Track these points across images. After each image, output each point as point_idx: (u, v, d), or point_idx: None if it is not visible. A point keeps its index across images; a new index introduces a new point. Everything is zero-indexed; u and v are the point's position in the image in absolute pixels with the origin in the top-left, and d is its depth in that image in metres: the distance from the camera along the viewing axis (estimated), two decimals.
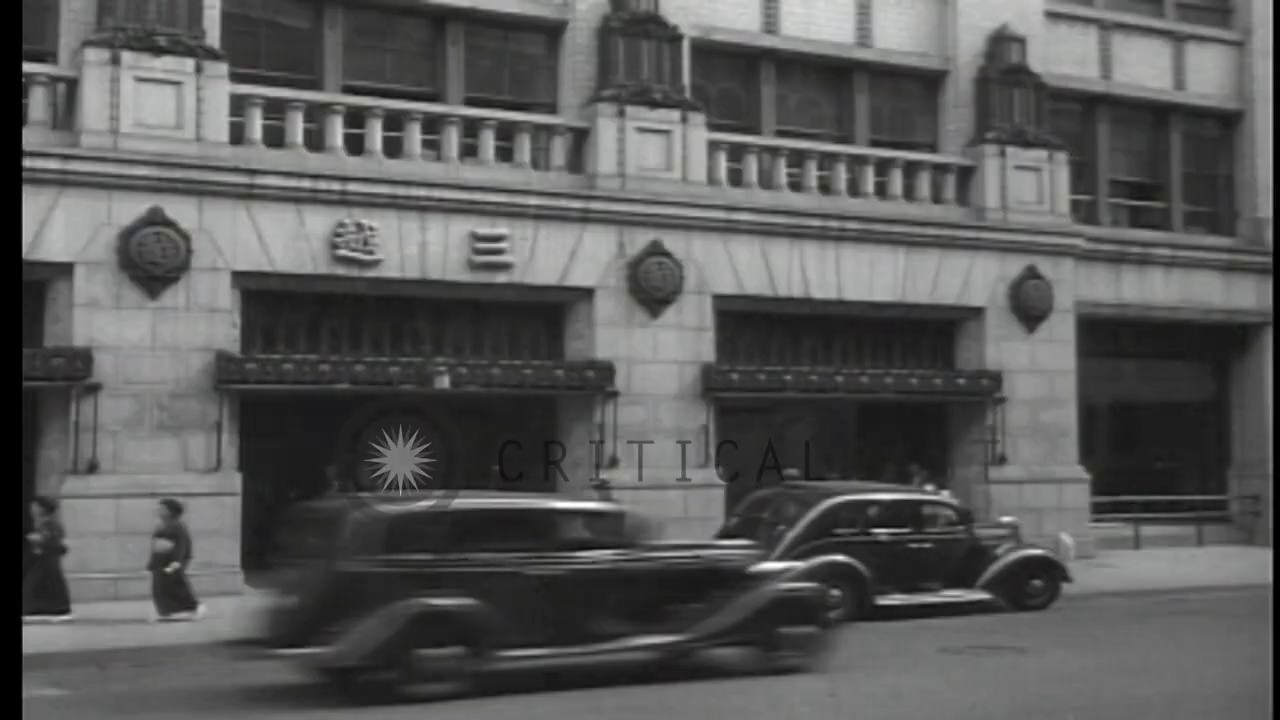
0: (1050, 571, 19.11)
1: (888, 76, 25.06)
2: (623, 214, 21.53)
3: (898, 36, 24.93)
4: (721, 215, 22.21)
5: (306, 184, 19.64)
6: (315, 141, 20.19)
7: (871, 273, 23.41)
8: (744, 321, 22.85)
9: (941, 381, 23.91)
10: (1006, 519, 20.37)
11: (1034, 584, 18.77)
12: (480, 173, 21.00)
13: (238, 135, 19.63)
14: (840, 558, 17.46)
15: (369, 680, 12.01)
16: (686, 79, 22.48)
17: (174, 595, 16.70)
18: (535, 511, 13.45)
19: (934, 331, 24.56)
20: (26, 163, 17.04)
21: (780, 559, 16.42)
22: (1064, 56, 26.41)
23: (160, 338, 18.73)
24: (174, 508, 16.94)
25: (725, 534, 18.26)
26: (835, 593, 16.64)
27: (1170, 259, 26.88)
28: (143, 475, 18.43)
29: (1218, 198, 28.46)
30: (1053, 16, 26.18)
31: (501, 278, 20.84)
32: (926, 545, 18.37)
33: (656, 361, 21.68)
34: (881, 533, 18.17)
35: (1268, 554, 20.32)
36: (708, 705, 11.95)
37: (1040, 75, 25.24)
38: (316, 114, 20.26)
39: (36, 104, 18.60)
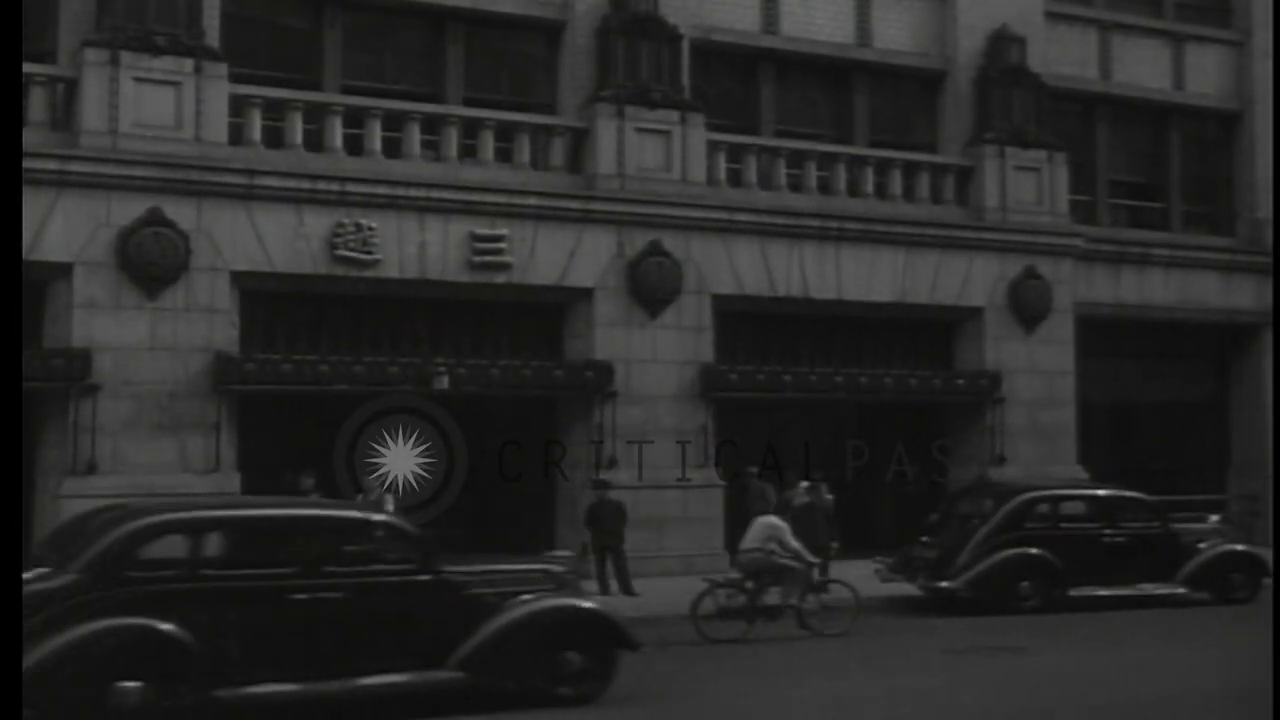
0: (1252, 567, 19.52)
1: (887, 77, 25.05)
2: (622, 214, 21.52)
3: (897, 37, 24.93)
4: (721, 215, 22.21)
5: (306, 184, 19.63)
6: (314, 142, 20.18)
7: (871, 273, 23.40)
8: (743, 322, 22.84)
9: (940, 382, 23.91)
10: (1214, 517, 20.83)
11: (1235, 578, 19.18)
12: (479, 173, 20.99)
13: (237, 136, 19.62)
14: (1033, 550, 18.18)
15: None
16: (686, 79, 22.47)
17: None
18: None
19: (933, 332, 24.56)
20: (26, 163, 17.01)
21: (975, 551, 17.90)
22: (1064, 57, 26.41)
23: (159, 338, 18.73)
24: None
25: (927, 528, 19.02)
26: (1026, 584, 17.97)
27: (1169, 259, 26.87)
28: (141, 476, 18.41)
29: (1217, 198, 28.46)
30: (1052, 17, 26.18)
31: (501, 278, 20.83)
32: (1120, 539, 18.87)
33: (656, 361, 21.67)
34: (1074, 526, 18.69)
35: (1267, 554, 20.32)
36: (709, 707, 11.94)
37: (1040, 75, 25.23)
38: (316, 114, 20.25)
39: (36, 104, 18.59)
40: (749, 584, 16.27)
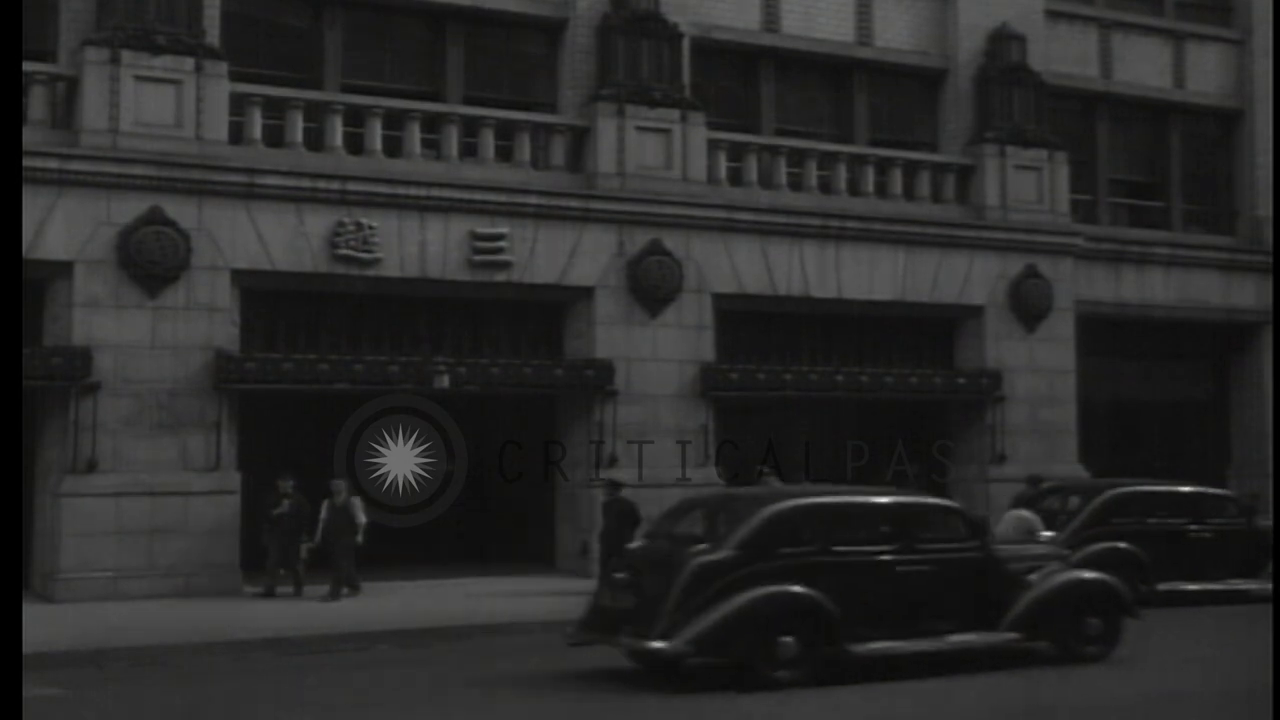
0: None
1: (888, 75, 25.05)
2: (622, 213, 21.52)
3: (898, 35, 24.93)
4: (721, 214, 22.20)
5: (306, 183, 19.62)
6: (315, 140, 20.18)
7: (871, 272, 23.41)
8: (743, 321, 22.84)
9: (941, 381, 23.92)
10: None
11: None
12: (480, 172, 20.99)
13: (237, 134, 19.62)
14: (1121, 545, 18.50)
15: None
16: (686, 77, 22.46)
17: None
18: None
19: (934, 331, 24.56)
20: (26, 162, 17.04)
21: (1064, 546, 17.89)
22: (1064, 55, 26.43)
23: (160, 337, 18.73)
24: None
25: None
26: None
27: (1170, 258, 26.89)
28: (142, 474, 18.42)
29: (1217, 197, 28.47)
30: (1053, 15, 26.19)
31: (501, 277, 20.83)
32: (1206, 535, 19.18)
33: (656, 360, 21.67)
34: (1161, 522, 19.00)
35: None
36: (705, 710, 11.93)
37: (1040, 74, 25.24)
38: (316, 113, 20.25)
39: (36, 103, 18.58)
40: None
